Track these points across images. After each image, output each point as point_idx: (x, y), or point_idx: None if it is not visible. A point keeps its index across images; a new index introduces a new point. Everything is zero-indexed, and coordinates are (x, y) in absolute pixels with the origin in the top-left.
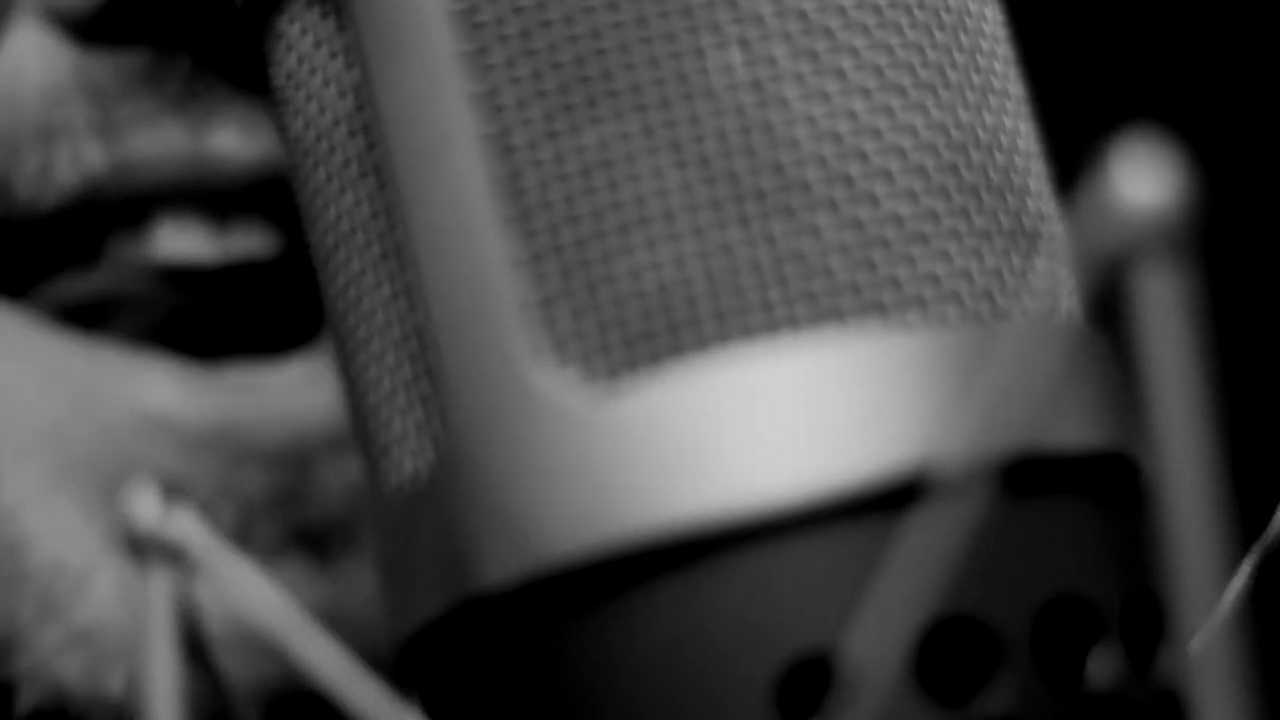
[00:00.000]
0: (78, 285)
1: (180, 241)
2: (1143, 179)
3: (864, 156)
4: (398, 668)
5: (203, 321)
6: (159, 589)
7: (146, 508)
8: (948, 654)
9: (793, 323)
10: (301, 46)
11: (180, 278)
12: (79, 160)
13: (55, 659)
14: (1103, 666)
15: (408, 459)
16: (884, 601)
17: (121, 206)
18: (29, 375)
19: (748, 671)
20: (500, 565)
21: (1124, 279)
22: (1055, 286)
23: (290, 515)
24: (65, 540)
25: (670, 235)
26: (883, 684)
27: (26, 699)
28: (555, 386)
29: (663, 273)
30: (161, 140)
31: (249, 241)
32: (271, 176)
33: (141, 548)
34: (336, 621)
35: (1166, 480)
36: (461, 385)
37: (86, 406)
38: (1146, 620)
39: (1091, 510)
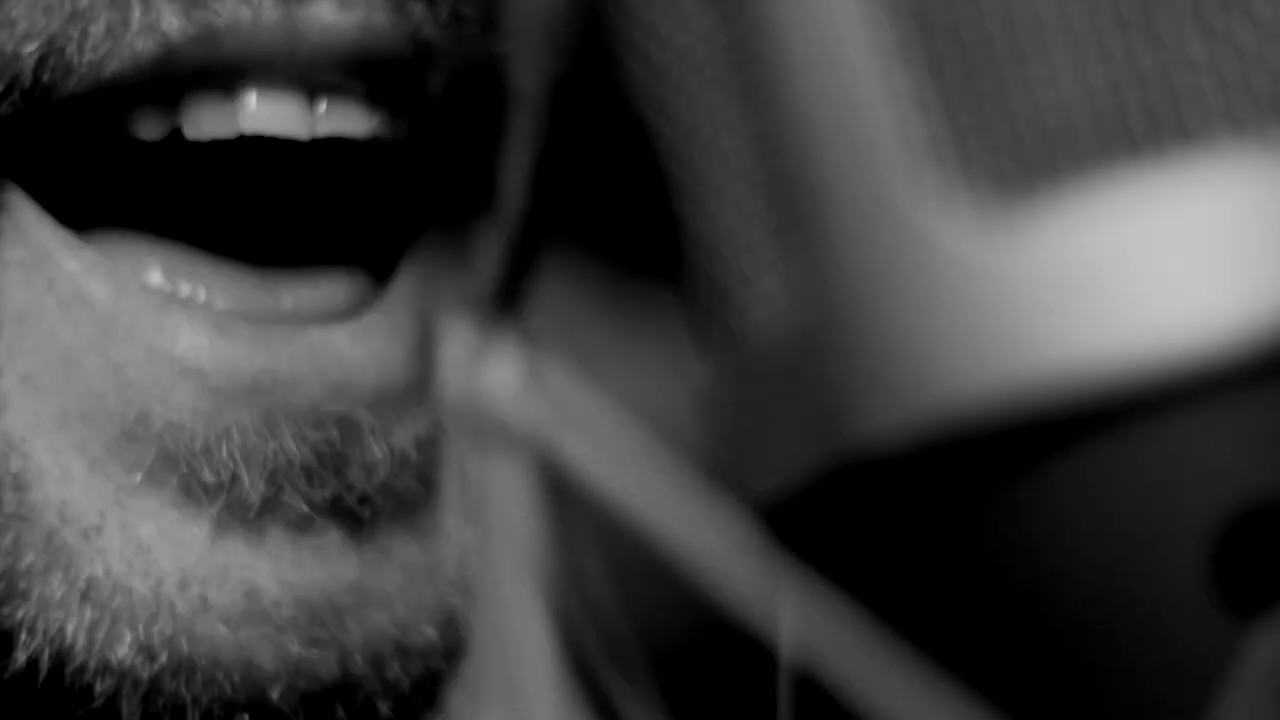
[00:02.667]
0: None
1: (270, 113)
2: None
3: None
4: (763, 534)
5: (288, 200)
6: (518, 475)
7: (505, 384)
8: None
9: (1213, 145)
10: None
11: (269, 150)
12: (155, 25)
13: (58, 610)
14: None
15: (773, 315)
16: None
17: (203, 77)
18: (49, 297)
19: (1184, 535)
20: (892, 422)
21: None
22: None
23: (325, 483)
24: (74, 486)
25: (1073, 60)
26: None
27: (24, 650)
28: (947, 228)
29: (1066, 102)
30: (250, 7)
31: (342, 118)
32: (365, 52)
33: (497, 431)
34: (365, 602)
35: None
36: (841, 230)
37: (106, 341)
38: None
39: None
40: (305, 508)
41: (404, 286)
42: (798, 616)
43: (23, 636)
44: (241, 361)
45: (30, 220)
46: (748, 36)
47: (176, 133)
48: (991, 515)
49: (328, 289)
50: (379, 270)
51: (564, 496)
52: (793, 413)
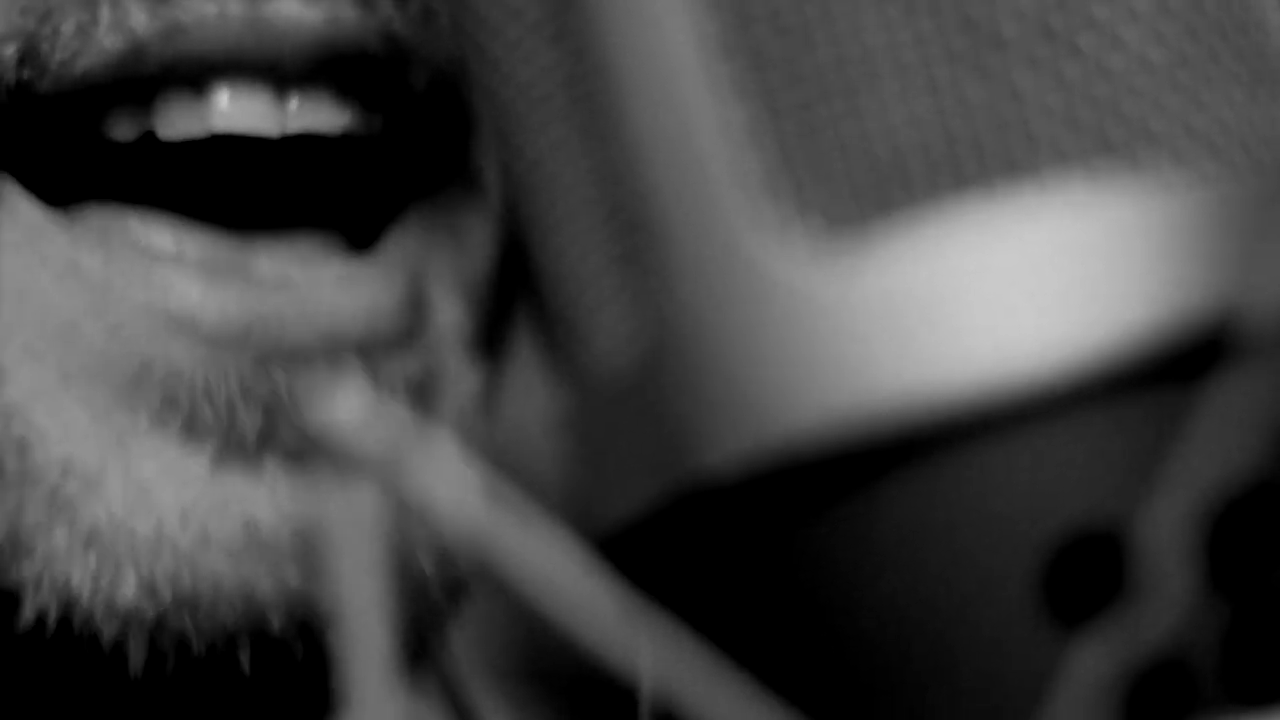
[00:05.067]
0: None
1: (240, 110)
2: None
3: None
4: (601, 562)
5: (258, 196)
6: (364, 496)
7: (352, 411)
8: (1232, 528)
9: (1040, 180)
10: None
11: (240, 147)
12: (122, 22)
13: (63, 562)
14: None
15: (616, 343)
16: (1183, 470)
17: (172, 73)
18: (43, 272)
19: (1013, 555)
20: (729, 450)
21: None
22: None
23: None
24: (75, 440)
25: (904, 92)
26: (1179, 567)
27: (32, 606)
28: (782, 258)
29: (896, 134)
30: (216, 3)
31: (313, 114)
32: (333, 46)
33: (344, 457)
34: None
35: None
36: (679, 261)
37: (101, 305)
38: None
39: None
40: (299, 441)
41: (393, 247)
42: (654, 652)
43: (29, 592)
44: (232, 310)
45: (20, 204)
46: (588, 72)
47: (150, 134)
48: (820, 540)
49: (311, 247)
50: (365, 238)
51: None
52: (635, 443)
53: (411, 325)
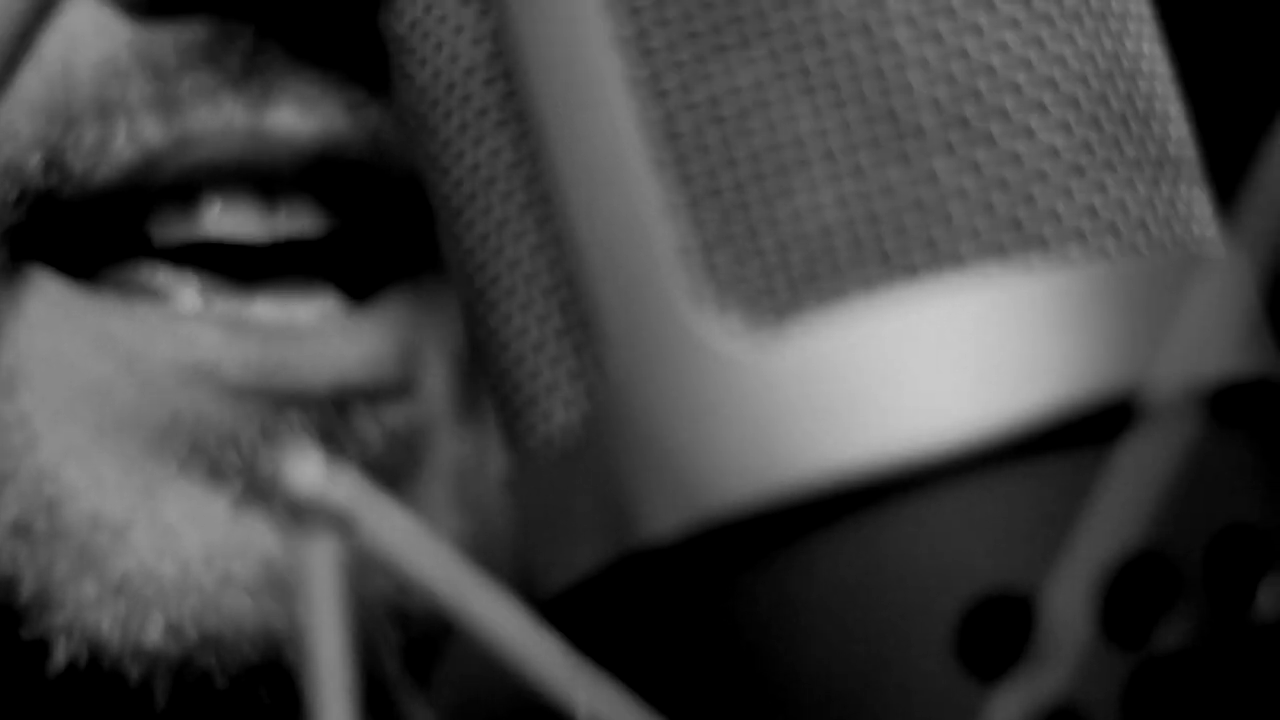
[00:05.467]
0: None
1: (230, 219)
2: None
3: (1017, 89)
4: (551, 622)
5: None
6: (324, 554)
7: (309, 473)
8: (1125, 590)
9: (957, 260)
10: None
11: (227, 254)
12: (137, 136)
13: (92, 611)
14: (1273, 596)
15: (559, 410)
16: (1085, 538)
17: (174, 183)
18: (74, 341)
19: (929, 615)
20: (665, 517)
21: None
22: (1202, 213)
23: (330, 457)
24: (105, 494)
25: (832, 176)
26: (1079, 625)
27: (61, 654)
28: (717, 332)
29: (824, 215)
30: (221, 116)
31: (298, 220)
32: (324, 154)
33: (303, 513)
34: (366, 568)
35: None
36: (618, 333)
37: (132, 366)
38: None
39: (1249, 438)
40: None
41: (388, 302)
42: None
43: (60, 640)
44: (253, 360)
45: (47, 284)
46: (533, 153)
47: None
48: (751, 599)
49: (320, 301)
50: (360, 292)
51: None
52: (578, 507)
53: (407, 377)
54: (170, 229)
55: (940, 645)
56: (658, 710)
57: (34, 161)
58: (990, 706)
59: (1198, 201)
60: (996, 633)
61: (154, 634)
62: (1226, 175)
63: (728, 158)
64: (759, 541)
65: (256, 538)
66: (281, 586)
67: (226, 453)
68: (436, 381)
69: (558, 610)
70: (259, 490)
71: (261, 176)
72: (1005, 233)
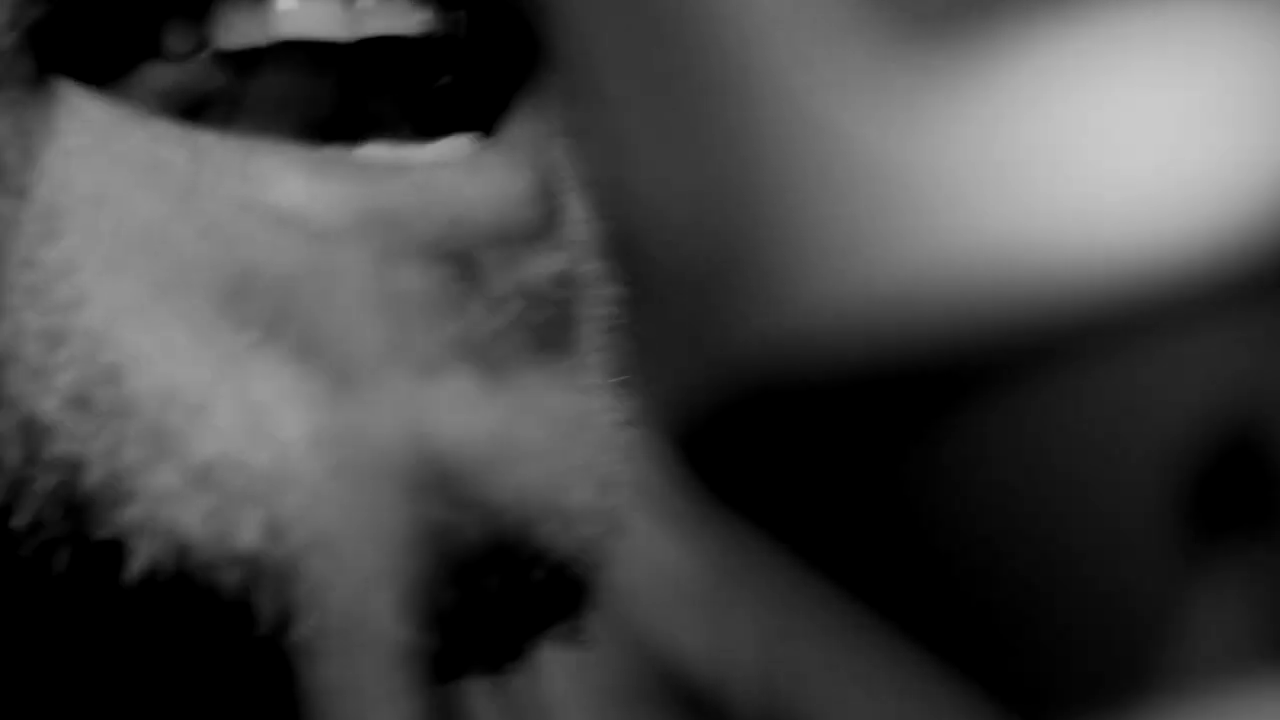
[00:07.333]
0: (183, 72)
1: (307, 15)
2: None
3: None
4: (683, 458)
5: (334, 110)
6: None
7: None
8: None
9: None
10: None
11: (307, 55)
12: None
13: (171, 505)
14: None
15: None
16: None
17: None
18: (121, 173)
19: (1165, 459)
20: (825, 346)
21: None
22: None
23: (454, 322)
24: (175, 363)
25: None
26: None
27: (140, 557)
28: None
29: None
30: None
31: (388, 16)
32: None
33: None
34: (509, 455)
35: None
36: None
37: (191, 205)
38: None
39: None
40: (430, 350)
41: (515, 130)
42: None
43: (138, 540)
44: (343, 202)
45: (85, 105)
46: None
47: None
48: (945, 438)
49: (435, 141)
50: (480, 122)
51: None
52: (701, 334)
53: (546, 218)
54: (236, 28)
55: (1171, 496)
56: (806, 562)
57: None
58: (1220, 566)
59: None
60: (1231, 488)
61: (249, 536)
62: None
63: None
64: (960, 373)
65: (364, 421)
66: (400, 475)
67: (316, 321)
68: (577, 222)
69: (697, 444)
70: (361, 362)
71: None
72: None
